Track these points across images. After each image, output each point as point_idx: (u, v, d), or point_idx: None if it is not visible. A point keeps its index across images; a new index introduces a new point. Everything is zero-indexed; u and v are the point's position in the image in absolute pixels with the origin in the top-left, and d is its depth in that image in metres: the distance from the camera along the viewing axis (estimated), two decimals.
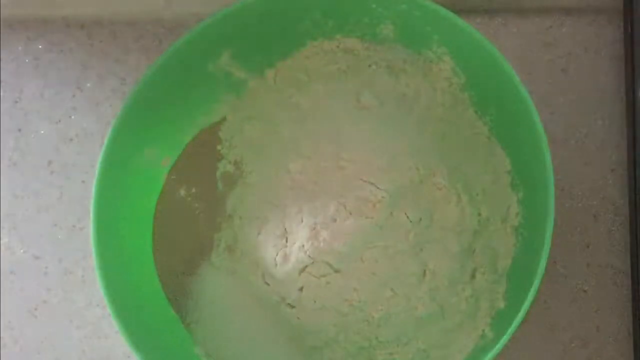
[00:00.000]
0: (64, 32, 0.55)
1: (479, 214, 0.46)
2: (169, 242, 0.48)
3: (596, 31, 0.51)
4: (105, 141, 0.45)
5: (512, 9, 0.52)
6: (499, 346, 0.41)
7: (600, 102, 0.50)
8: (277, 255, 0.47)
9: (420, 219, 0.46)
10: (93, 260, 0.44)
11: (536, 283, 0.41)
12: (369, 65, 0.48)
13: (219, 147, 0.49)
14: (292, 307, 0.47)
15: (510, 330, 0.41)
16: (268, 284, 0.47)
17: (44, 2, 0.55)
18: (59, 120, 0.54)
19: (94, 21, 0.55)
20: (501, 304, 0.44)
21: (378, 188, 0.45)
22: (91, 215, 0.45)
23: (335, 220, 0.44)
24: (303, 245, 0.45)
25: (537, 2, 0.52)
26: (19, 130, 0.54)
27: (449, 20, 0.44)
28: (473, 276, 0.46)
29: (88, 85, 0.54)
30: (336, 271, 0.45)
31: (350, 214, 0.44)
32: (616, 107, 0.50)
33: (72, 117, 0.54)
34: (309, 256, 0.45)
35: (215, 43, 0.47)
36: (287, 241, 0.47)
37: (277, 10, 0.47)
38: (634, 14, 0.49)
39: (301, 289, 0.46)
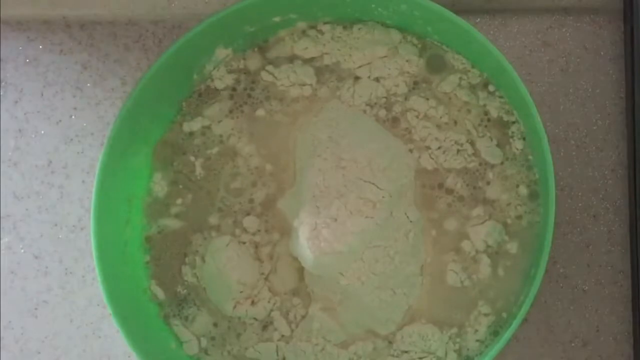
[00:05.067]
0: (64, 32, 0.55)
1: None
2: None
3: (596, 31, 0.51)
4: (106, 141, 0.45)
5: (512, 9, 0.52)
6: (499, 346, 0.41)
7: (600, 102, 0.50)
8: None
9: (421, 219, 0.46)
10: (93, 260, 0.44)
11: (536, 283, 0.41)
12: None
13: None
14: None
15: (511, 330, 0.41)
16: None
17: (44, 2, 0.55)
18: (59, 120, 0.54)
19: (94, 21, 0.55)
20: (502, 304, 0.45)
21: (378, 188, 0.44)
22: (91, 215, 0.45)
23: (335, 220, 0.44)
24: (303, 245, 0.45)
25: (537, 2, 0.52)
26: (19, 130, 0.54)
27: (449, 20, 0.44)
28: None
29: (88, 85, 0.54)
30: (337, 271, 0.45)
31: (351, 213, 0.44)
32: (616, 107, 0.50)
33: (72, 117, 0.54)
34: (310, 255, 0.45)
35: (215, 43, 0.47)
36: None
37: (278, 10, 0.47)
38: (634, 14, 0.49)
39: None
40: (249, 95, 0.49)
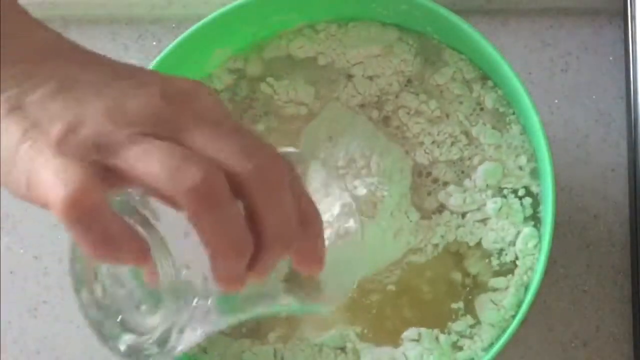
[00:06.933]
0: (63, 32, 0.55)
1: None
2: None
3: (596, 31, 0.51)
4: None
5: (512, 9, 0.52)
6: (499, 346, 0.41)
7: (600, 102, 0.50)
8: None
9: (421, 219, 0.46)
10: None
11: (536, 283, 0.41)
12: None
13: None
14: None
15: (511, 330, 0.41)
16: None
17: (43, 2, 0.55)
18: None
19: (94, 21, 0.55)
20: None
21: (378, 188, 0.44)
22: None
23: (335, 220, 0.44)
24: None
25: (537, 2, 0.52)
26: None
27: (449, 21, 0.44)
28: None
29: None
30: None
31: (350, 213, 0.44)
32: (616, 107, 0.50)
33: None
34: None
35: (214, 42, 0.47)
36: None
37: (278, 9, 0.47)
38: (634, 14, 0.49)
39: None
40: (250, 106, 0.48)
